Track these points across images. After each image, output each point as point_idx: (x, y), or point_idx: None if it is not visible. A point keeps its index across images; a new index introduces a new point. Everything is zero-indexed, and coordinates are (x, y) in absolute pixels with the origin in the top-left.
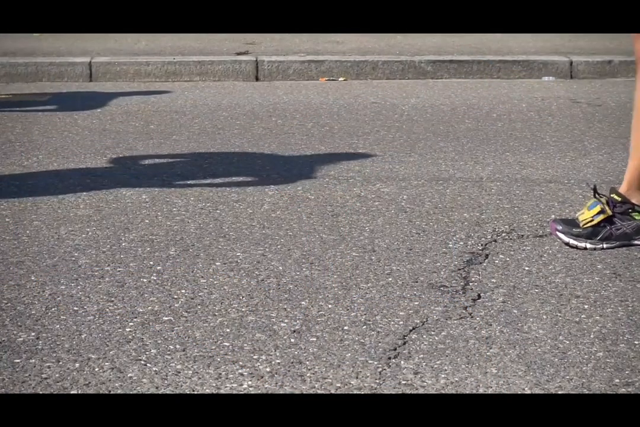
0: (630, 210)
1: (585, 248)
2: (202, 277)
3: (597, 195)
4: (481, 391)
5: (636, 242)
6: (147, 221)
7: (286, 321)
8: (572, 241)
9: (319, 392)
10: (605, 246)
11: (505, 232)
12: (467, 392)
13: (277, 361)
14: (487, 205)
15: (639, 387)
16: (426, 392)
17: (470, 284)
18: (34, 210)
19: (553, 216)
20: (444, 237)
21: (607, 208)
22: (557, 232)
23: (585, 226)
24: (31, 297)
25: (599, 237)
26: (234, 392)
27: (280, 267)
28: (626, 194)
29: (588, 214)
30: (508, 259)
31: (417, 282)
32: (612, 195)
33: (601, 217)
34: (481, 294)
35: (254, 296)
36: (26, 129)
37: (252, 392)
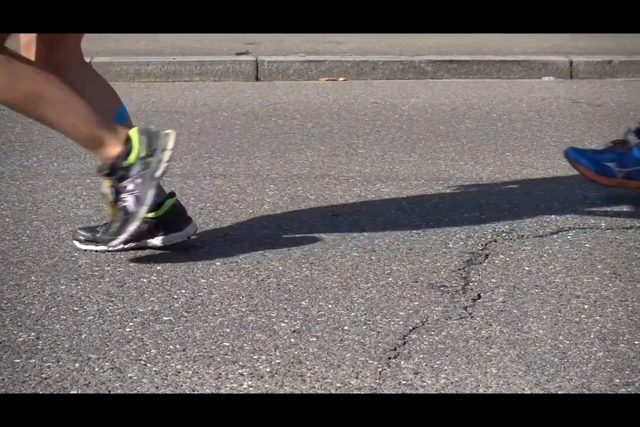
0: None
1: None
2: (202, 277)
3: None
4: (481, 391)
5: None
6: None
7: (286, 321)
8: None
9: (319, 392)
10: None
11: (505, 232)
12: (467, 392)
13: (277, 361)
14: (487, 205)
15: (639, 387)
16: (426, 392)
17: (470, 284)
18: (34, 211)
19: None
20: (444, 237)
21: None
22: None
23: None
24: (31, 297)
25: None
26: (234, 392)
27: (280, 267)
28: None
29: None
30: (508, 259)
31: (417, 282)
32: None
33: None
34: (481, 294)
35: (254, 296)
36: (26, 129)
37: (252, 392)
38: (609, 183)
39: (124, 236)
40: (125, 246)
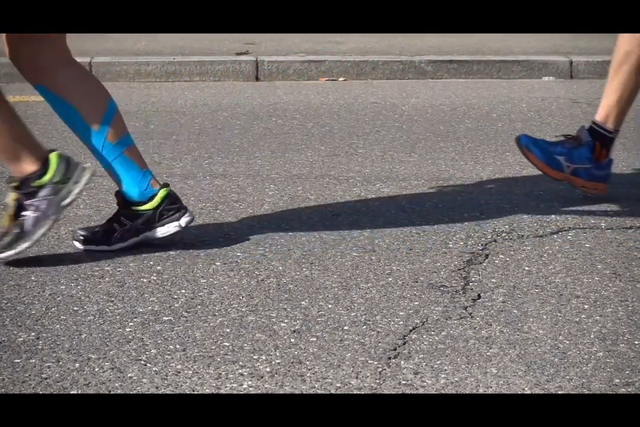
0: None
1: None
2: (202, 277)
3: None
4: (481, 391)
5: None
6: None
7: (286, 321)
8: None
9: (319, 392)
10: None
11: (505, 232)
12: (467, 392)
13: (277, 361)
14: (487, 205)
15: (639, 387)
16: (426, 392)
17: (470, 284)
18: None
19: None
20: (444, 237)
21: None
22: None
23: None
24: (31, 297)
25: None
26: (234, 392)
27: (280, 267)
28: None
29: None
30: (508, 259)
31: (417, 282)
32: None
33: None
34: (481, 294)
35: (254, 296)
36: None
37: (252, 392)
38: (556, 177)
39: (11, 252)
40: (124, 244)
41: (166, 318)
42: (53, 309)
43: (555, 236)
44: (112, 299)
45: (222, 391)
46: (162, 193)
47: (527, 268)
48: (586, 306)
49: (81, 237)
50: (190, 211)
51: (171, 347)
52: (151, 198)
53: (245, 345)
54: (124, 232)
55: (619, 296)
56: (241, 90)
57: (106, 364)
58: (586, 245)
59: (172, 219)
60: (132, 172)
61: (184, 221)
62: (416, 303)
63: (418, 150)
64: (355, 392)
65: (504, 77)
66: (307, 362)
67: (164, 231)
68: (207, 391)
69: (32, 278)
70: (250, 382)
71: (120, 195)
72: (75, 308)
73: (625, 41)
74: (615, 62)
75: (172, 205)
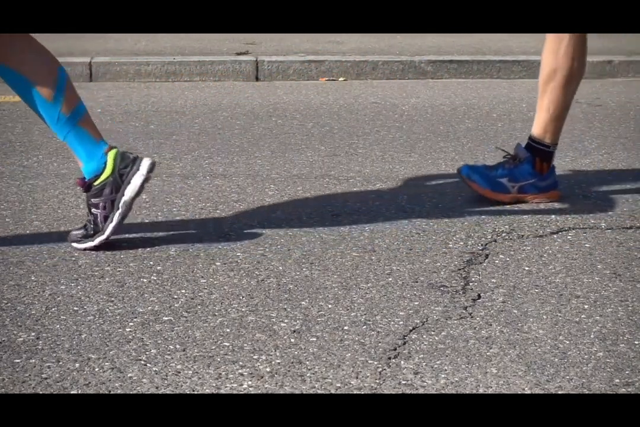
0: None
1: None
2: (202, 277)
3: None
4: (481, 391)
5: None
6: (147, 221)
7: (286, 321)
8: None
9: (319, 392)
10: None
11: (505, 232)
12: (467, 392)
13: (277, 361)
14: (487, 206)
15: (639, 387)
16: (426, 392)
17: (470, 284)
18: (34, 210)
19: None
20: (444, 237)
21: None
22: None
23: None
24: (31, 297)
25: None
26: (234, 392)
27: (280, 267)
28: None
29: None
30: (508, 259)
31: (417, 282)
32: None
33: None
34: (481, 294)
35: (254, 296)
36: (26, 129)
37: (252, 392)
38: (505, 199)
39: None
40: (113, 223)
41: (166, 318)
42: (53, 309)
43: (555, 236)
44: (112, 299)
45: (222, 391)
46: (110, 156)
47: (527, 268)
48: (586, 306)
49: (77, 237)
50: (146, 158)
51: (171, 347)
52: (104, 167)
53: (245, 345)
54: (102, 211)
55: (619, 296)
56: (241, 90)
57: (106, 364)
58: (586, 245)
59: (132, 173)
60: (87, 145)
61: (144, 167)
62: (416, 303)
63: (418, 150)
64: (355, 392)
65: (504, 77)
66: (307, 362)
67: (132, 188)
68: (207, 391)
69: (32, 278)
70: (250, 382)
71: (81, 180)
72: (75, 308)
73: (550, 59)
74: (541, 79)
75: (126, 160)
